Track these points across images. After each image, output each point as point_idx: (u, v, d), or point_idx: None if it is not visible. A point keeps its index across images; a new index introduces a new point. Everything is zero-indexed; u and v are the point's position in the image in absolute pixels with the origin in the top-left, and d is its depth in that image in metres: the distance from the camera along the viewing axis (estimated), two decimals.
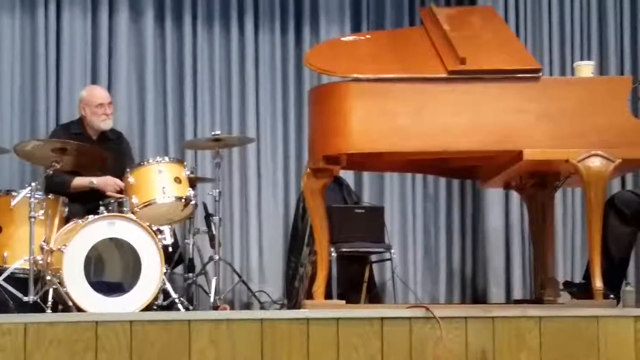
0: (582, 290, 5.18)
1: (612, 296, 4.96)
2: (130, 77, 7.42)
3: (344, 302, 5.16)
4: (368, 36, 6.45)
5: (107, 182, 6.20)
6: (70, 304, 5.24)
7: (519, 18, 7.71)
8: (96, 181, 6.19)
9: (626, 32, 7.69)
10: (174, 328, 3.74)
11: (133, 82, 7.43)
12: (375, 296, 7.18)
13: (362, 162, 5.53)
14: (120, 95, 7.25)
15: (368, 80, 4.81)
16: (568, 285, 5.52)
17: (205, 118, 7.53)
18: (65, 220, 5.83)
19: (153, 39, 7.46)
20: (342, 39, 6.68)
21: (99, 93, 6.57)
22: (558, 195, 6.05)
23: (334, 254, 6.38)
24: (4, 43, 7.13)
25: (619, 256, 5.37)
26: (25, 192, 5.59)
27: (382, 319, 4.00)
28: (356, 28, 7.82)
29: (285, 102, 7.73)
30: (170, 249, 6.05)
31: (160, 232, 5.92)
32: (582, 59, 7.33)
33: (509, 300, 7.41)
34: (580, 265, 7.32)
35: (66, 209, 5.89)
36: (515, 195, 7.39)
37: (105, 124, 6.47)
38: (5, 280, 5.44)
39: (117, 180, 6.17)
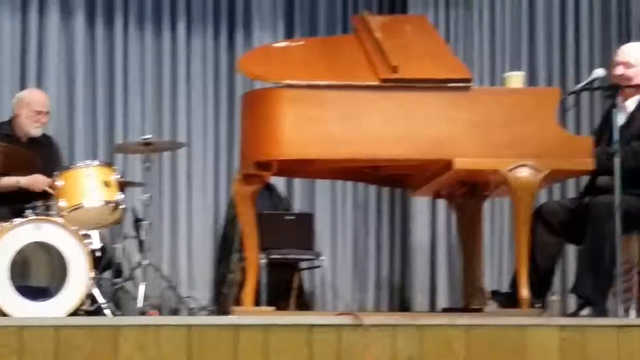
0: (509, 299, 5.21)
1: (538, 305, 5.01)
2: (60, 79, 7.36)
3: (273, 308, 5.16)
4: (301, 43, 6.48)
5: (36, 180, 6.13)
6: None
7: (449, 28, 7.79)
8: (24, 180, 6.12)
9: (555, 44, 7.79)
10: (100, 333, 3.70)
11: (62, 84, 7.37)
12: (304, 303, 7.19)
13: (293, 168, 5.53)
14: (50, 97, 7.17)
15: (300, 86, 4.81)
16: (495, 294, 5.55)
17: (136, 122, 7.50)
18: None
19: (83, 40, 7.42)
20: (275, 44, 6.69)
21: (41, 100, 6.47)
22: (487, 204, 6.10)
23: (263, 261, 6.37)
24: None
25: (545, 266, 5.42)
26: None
27: (310, 326, 3.99)
28: (289, 34, 7.83)
29: (217, 107, 7.73)
30: (98, 254, 6.01)
31: (88, 236, 5.87)
32: (512, 70, 7.41)
33: (435, 308, 7.47)
34: (507, 275, 7.39)
35: None
36: (442, 205, 7.45)
37: (36, 131, 6.39)
38: None
39: (46, 179, 6.07)
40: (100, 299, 5.69)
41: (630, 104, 5.35)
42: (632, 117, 5.32)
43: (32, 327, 3.60)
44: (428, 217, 7.68)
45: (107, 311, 5.69)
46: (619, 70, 5.38)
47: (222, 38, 7.78)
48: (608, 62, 5.65)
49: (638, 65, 5.40)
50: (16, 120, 6.40)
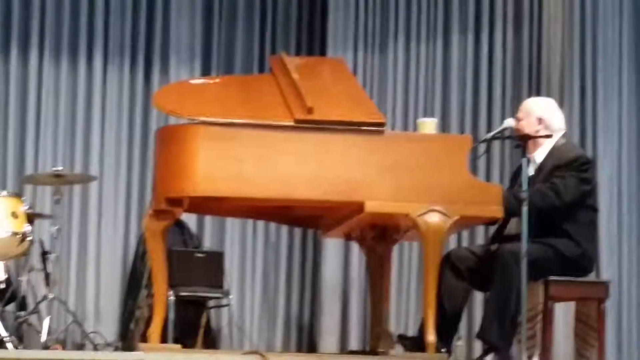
0: (415, 344, 5.23)
1: (444, 350, 5.04)
2: None
3: (179, 346, 5.11)
4: (217, 80, 6.50)
5: None
6: None
7: (366, 72, 7.85)
8: None
9: (468, 92, 7.86)
10: None
11: None
12: (212, 341, 7.14)
13: (205, 205, 5.50)
14: None
15: (215, 124, 4.80)
16: (402, 338, 5.57)
17: (47, 153, 7.41)
18: None
19: None
20: (191, 81, 6.69)
21: None
22: (396, 248, 6.13)
23: (171, 298, 6.33)
24: None
25: (452, 311, 5.45)
26: None
27: None
28: (206, 71, 7.83)
29: (131, 141, 7.67)
30: (3, 286, 5.92)
31: None
32: (425, 116, 7.48)
33: (344, 349, 7.46)
34: (414, 318, 7.43)
35: None
36: (355, 247, 7.47)
37: None
38: None
39: None
40: (3, 332, 5.58)
41: (539, 156, 5.46)
42: (540, 168, 5.43)
43: None
44: (340, 258, 7.67)
45: (9, 345, 5.58)
46: (514, 123, 5.52)
47: (138, 72, 7.74)
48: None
49: (528, 118, 5.55)
50: None
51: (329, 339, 7.57)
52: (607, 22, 7.77)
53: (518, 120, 5.54)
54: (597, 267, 7.33)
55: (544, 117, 5.63)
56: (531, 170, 5.29)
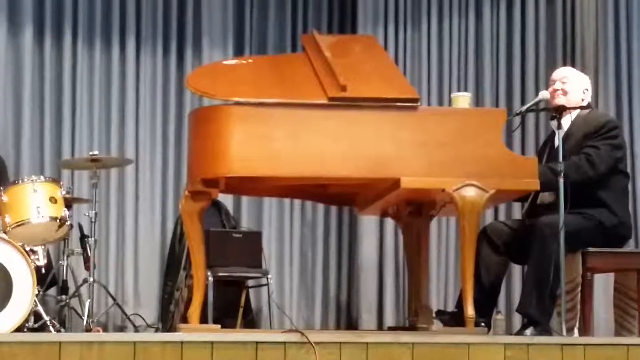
0: (454, 318, 5.24)
1: (483, 324, 5.04)
2: (7, 94, 7.30)
3: (218, 326, 5.14)
4: (250, 60, 6.48)
5: None
6: None
7: (398, 48, 7.83)
8: None
9: (502, 66, 7.86)
10: (44, 350, 3.67)
11: (9, 99, 7.31)
12: (251, 321, 7.17)
13: (241, 186, 5.52)
14: None
15: (248, 104, 4.80)
16: (441, 313, 5.59)
17: (84, 138, 7.44)
18: None
19: (31, 55, 7.36)
20: (224, 62, 6.68)
21: None
22: (433, 223, 6.14)
23: (210, 279, 6.36)
24: None
25: (491, 285, 5.47)
26: None
27: (256, 343, 3.99)
28: (239, 52, 7.83)
29: (165, 124, 7.70)
30: (43, 270, 5.96)
31: (34, 252, 5.84)
32: (459, 90, 7.47)
33: (381, 327, 7.48)
34: (453, 293, 7.44)
35: None
36: (390, 224, 7.48)
37: None
38: None
39: None
40: (45, 316, 5.63)
41: (566, 122, 5.44)
42: (568, 134, 5.41)
43: None
44: (376, 236, 7.69)
45: (51, 328, 5.63)
46: (557, 86, 5.52)
47: (171, 55, 7.75)
48: None
49: (576, 87, 5.55)
50: None
51: (366, 316, 7.60)
52: None
53: (563, 91, 5.52)
54: (636, 237, 7.32)
55: (588, 88, 5.64)
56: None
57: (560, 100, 5.46)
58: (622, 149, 5.52)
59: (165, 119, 7.70)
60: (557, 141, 5.15)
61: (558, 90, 5.54)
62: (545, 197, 5.38)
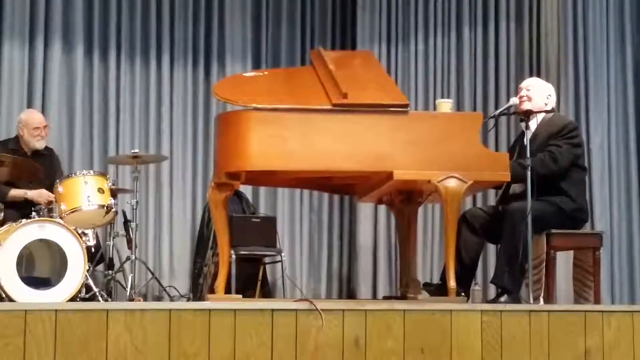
0: (439, 289, 5.23)
1: (463, 294, 5.03)
2: (61, 101, 7.31)
3: (240, 296, 5.13)
4: (266, 72, 6.46)
5: (40, 194, 6.11)
6: (3, 295, 5.11)
7: (390, 61, 7.81)
8: (30, 193, 6.14)
9: (478, 76, 7.82)
10: (93, 316, 3.67)
11: (63, 105, 7.33)
12: (267, 292, 7.17)
13: (259, 178, 5.51)
14: (52, 116, 7.15)
15: (265, 109, 4.78)
16: (427, 285, 5.57)
17: (126, 138, 7.45)
18: (1, 223, 5.68)
19: (82, 68, 7.38)
20: (244, 74, 6.65)
21: (37, 117, 6.46)
22: (421, 209, 6.11)
23: (233, 256, 6.35)
24: None
25: (469, 261, 5.45)
26: None
27: (272, 310, 3.99)
28: (256, 65, 7.83)
29: (195, 126, 7.70)
30: (93, 250, 5.97)
31: (85, 234, 5.84)
32: (442, 97, 7.45)
33: (376, 296, 7.47)
34: (437, 268, 7.42)
35: (2, 214, 5.74)
36: (383, 210, 7.47)
37: (40, 144, 6.38)
38: None
39: (49, 194, 6.07)
40: (94, 288, 5.64)
41: (533, 124, 5.42)
42: (535, 134, 5.40)
43: (34, 311, 3.56)
44: (372, 220, 7.68)
45: (99, 298, 5.64)
46: (518, 101, 5.49)
47: (199, 68, 7.75)
48: None
49: (540, 94, 5.54)
50: (21, 138, 6.39)
51: (363, 287, 7.59)
52: (595, 13, 7.72)
53: (528, 97, 5.50)
54: (592, 220, 7.31)
55: (551, 94, 5.62)
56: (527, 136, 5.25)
57: (526, 105, 5.44)
58: (580, 147, 5.51)
59: (195, 122, 7.70)
60: (526, 140, 5.14)
61: (524, 96, 5.53)
62: (516, 187, 5.37)
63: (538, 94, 5.54)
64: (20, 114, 6.58)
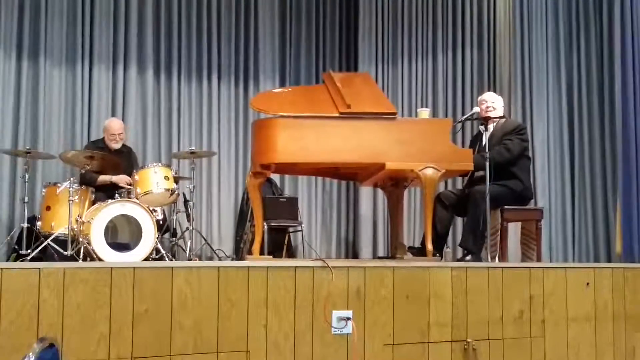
0: (419, 252, 5.24)
1: (437, 255, 5.04)
2: (137, 111, 7.33)
3: (271, 257, 5.14)
4: (289, 89, 6.45)
5: (122, 179, 6.14)
6: (95, 256, 5.15)
7: (384, 80, 7.80)
8: (114, 178, 6.14)
9: (449, 90, 7.83)
10: (161, 273, 3.69)
11: (139, 114, 7.34)
12: (291, 254, 7.19)
13: (284, 168, 5.51)
14: (130, 123, 7.17)
15: (289, 117, 4.79)
16: (411, 248, 5.58)
17: (185, 138, 7.47)
18: (93, 202, 5.72)
19: (152, 86, 7.38)
20: (273, 90, 6.67)
21: (114, 126, 6.47)
22: (406, 192, 6.12)
23: (265, 227, 6.37)
24: (54, 91, 7.03)
25: (442, 230, 5.46)
26: (66, 184, 5.53)
27: (295, 267, 4.00)
28: (282, 83, 7.83)
29: (237, 130, 7.72)
30: (161, 222, 5.99)
31: (155, 211, 5.86)
32: (422, 107, 7.44)
33: (375, 256, 7.48)
34: (418, 236, 7.43)
35: (93, 195, 5.79)
36: (380, 192, 7.48)
37: (116, 145, 6.42)
38: (52, 241, 5.36)
39: (128, 178, 6.10)
40: (162, 251, 5.66)
41: (490, 127, 5.43)
42: (492, 135, 5.39)
43: (118, 268, 3.58)
44: (371, 199, 7.69)
45: (166, 258, 5.67)
46: (483, 105, 5.47)
47: (240, 85, 7.75)
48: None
49: (497, 104, 5.54)
50: (105, 139, 6.41)
51: (365, 250, 7.60)
52: (537, 42, 7.69)
53: (487, 107, 5.49)
54: (535, 198, 7.29)
55: (503, 105, 5.62)
56: (486, 136, 5.25)
57: (491, 114, 5.45)
58: (527, 142, 5.51)
59: (237, 126, 7.71)
60: (484, 139, 5.12)
61: (490, 107, 5.51)
62: (478, 174, 5.37)
63: (499, 105, 5.57)
64: (105, 121, 6.61)
